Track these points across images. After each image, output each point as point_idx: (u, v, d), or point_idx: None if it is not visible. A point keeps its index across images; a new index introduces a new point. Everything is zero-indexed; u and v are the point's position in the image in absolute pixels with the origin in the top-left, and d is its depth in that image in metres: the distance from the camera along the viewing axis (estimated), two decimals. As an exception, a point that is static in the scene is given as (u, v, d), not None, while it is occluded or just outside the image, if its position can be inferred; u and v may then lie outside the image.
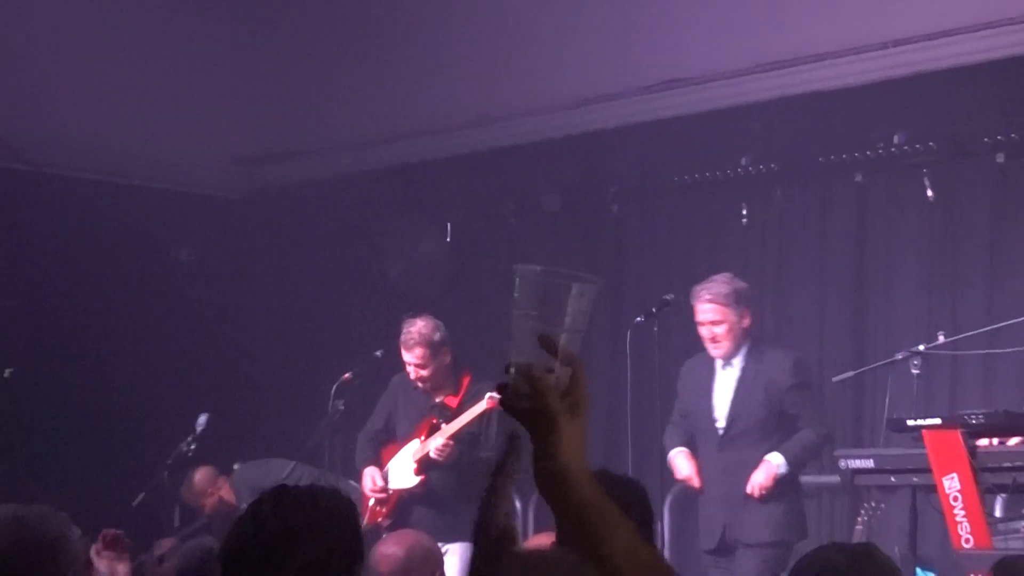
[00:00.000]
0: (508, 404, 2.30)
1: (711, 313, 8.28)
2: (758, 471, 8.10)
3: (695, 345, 9.01)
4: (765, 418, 8.23)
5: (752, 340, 8.40)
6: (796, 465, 8.19)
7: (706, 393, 8.36)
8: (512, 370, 2.27)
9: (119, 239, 11.24)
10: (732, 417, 8.28)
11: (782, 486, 8.12)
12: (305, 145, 12.05)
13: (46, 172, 11.18)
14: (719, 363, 8.41)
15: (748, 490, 8.07)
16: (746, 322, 8.33)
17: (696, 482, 8.28)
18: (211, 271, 11.83)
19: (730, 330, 8.28)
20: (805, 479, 8.50)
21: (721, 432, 8.31)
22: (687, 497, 8.72)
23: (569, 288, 2.35)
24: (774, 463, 8.13)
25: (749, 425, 8.26)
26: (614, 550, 2.28)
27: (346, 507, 3.39)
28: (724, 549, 8.25)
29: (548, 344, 2.28)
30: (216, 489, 9.69)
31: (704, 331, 8.35)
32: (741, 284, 8.41)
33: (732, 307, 8.27)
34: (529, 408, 2.27)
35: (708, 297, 8.28)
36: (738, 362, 8.37)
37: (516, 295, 2.35)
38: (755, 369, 8.28)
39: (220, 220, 12.18)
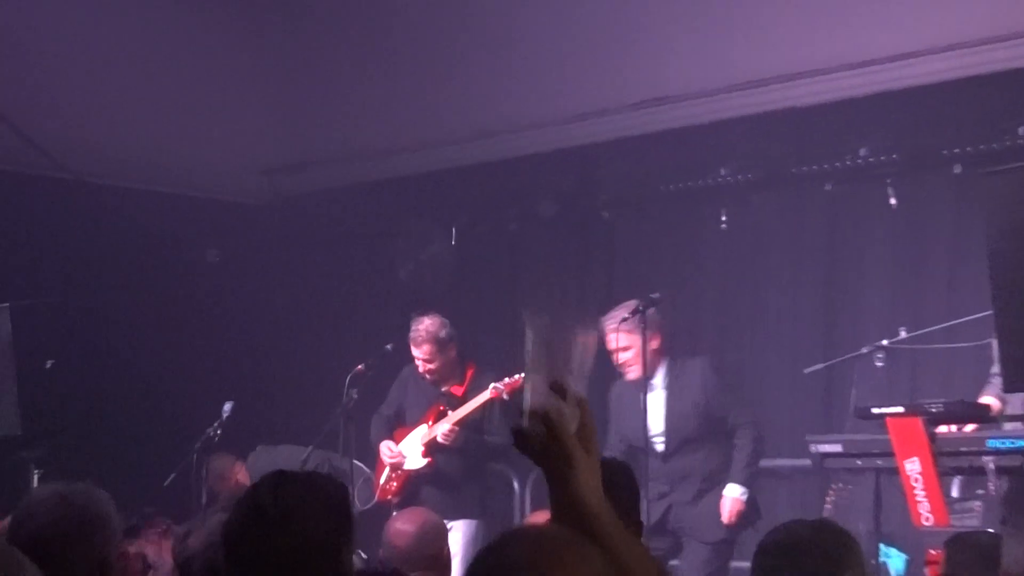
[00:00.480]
0: (526, 446, 2.30)
1: (620, 339, 8.22)
2: (724, 509, 8.05)
3: (675, 336, 9.02)
4: (699, 425, 8.19)
5: (669, 357, 8.36)
6: (751, 481, 8.15)
7: (638, 416, 8.17)
8: (527, 415, 2.28)
9: (155, 241, 11.24)
10: (669, 434, 8.20)
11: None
12: (324, 156, 12.05)
13: (90, 181, 11.15)
14: (646, 387, 8.28)
15: (726, 521, 8.06)
16: (655, 343, 8.25)
17: None
18: (237, 271, 11.82)
19: (638, 354, 8.20)
20: (779, 463, 8.48)
21: (662, 449, 8.22)
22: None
23: (575, 337, 2.38)
24: (733, 495, 8.09)
25: (687, 436, 8.20)
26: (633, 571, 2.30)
27: (340, 492, 3.38)
28: (662, 530, 8.15)
29: (559, 389, 2.29)
30: (233, 473, 9.72)
31: (615, 357, 8.30)
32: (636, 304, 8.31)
33: (637, 332, 8.19)
34: (546, 448, 2.28)
35: (613, 327, 8.20)
36: (659, 382, 8.31)
37: (528, 347, 2.37)
38: (678, 385, 8.23)
39: (246, 225, 12.18)
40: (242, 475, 9.72)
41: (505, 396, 8.53)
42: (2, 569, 2.16)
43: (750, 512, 8.14)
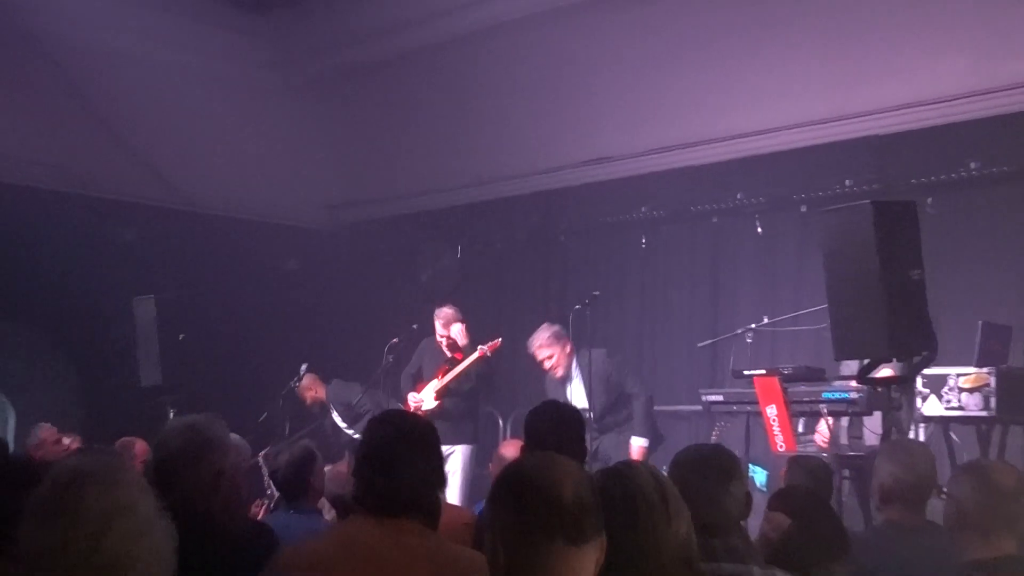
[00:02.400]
0: None
1: (544, 352, 8.32)
2: (632, 453, 8.00)
3: (609, 326, 9.02)
4: (608, 395, 8.17)
5: (577, 353, 8.33)
6: (649, 431, 8.12)
7: (566, 399, 8.10)
8: None
9: (251, 254, 11.24)
10: (592, 405, 8.10)
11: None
12: (370, 197, 12.06)
13: (206, 212, 11.18)
14: (566, 387, 8.34)
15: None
16: (568, 349, 8.33)
17: None
18: (309, 275, 11.84)
19: (560, 359, 8.30)
20: (680, 408, 8.47)
21: (590, 417, 8.00)
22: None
23: None
24: (639, 444, 8.09)
25: (604, 403, 8.15)
26: None
27: (430, 428, 3.32)
28: (595, 457, 7.88)
29: None
30: (317, 388, 9.78)
31: (544, 365, 8.35)
32: (556, 327, 8.41)
33: (556, 344, 8.29)
34: None
35: (538, 344, 8.33)
36: (575, 373, 8.32)
37: None
38: (588, 372, 8.18)
39: (315, 244, 12.18)
40: (321, 392, 9.79)
41: (488, 354, 8.62)
42: (134, 488, 2.11)
43: (654, 444, 8.15)
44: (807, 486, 4.57)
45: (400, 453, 3.06)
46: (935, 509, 4.37)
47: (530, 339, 8.45)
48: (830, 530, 3.54)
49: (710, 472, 3.16)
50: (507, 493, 2.32)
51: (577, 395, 8.25)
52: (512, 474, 2.37)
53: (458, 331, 8.70)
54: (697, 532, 3.03)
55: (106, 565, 1.92)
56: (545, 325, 8.49)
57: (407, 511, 3.00)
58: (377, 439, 3.12)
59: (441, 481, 3.16)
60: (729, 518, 3.13)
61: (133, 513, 1.98)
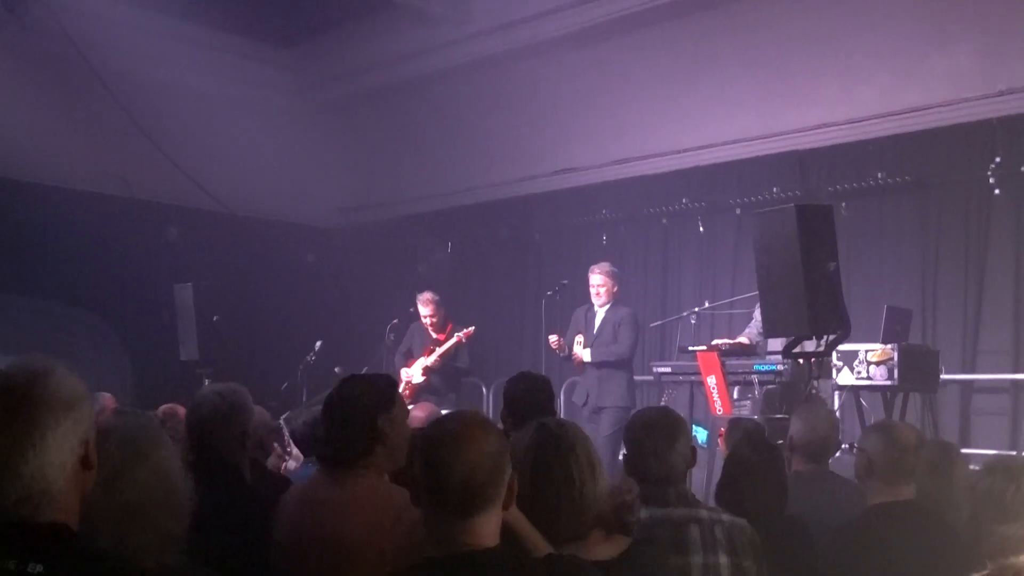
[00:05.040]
0: None
1: (598, 279, 7.96)
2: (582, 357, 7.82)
3: (575, 310, 8.97)
4: (609, 338, 7.85)
5: (614, 300, 8.00)
6: (599, 359, 7.79)
7: (587, 325, 7.97)
8: None
9: (275, 249, 11.21)
10: (597, 336, 7.90)
11: (618, 370, 7.78)
12: (375, 201, 11.98)
13: (238, 214, 11.12)
14: (594, 312, 8.00)
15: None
16: (615, 288, 7.98)
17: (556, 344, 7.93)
18: (323, 267, 11.79)
19: (607, 291, 7.93)
20: (637, 378, 8.40)
21: (592, 342, 7.90)
22: (572, 383, 8.61)
23: None
24: (584, 357, 7.82)
25: (603, 340, 7.87)
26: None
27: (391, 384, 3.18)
28: (588, 407, 7.83)
29: None
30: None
31: (592, 289, 7.99)
32: (615, 268, 8.13)
33: (609, 277, 7.94)
34: None
35: (598, 271, 7.99)
36: (602, 312, 7.97)
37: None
38: (610, 317, 7.92)
39: (329, 241, 12.11)
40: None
41: (463, 340, 8.53)
42: (147, 442, 2.07)
43: (628, 392, 7.80)
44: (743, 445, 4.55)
45: (348, 411, 2.98)
46: (847, 463, 4.40)
47: (593, 265, 8.11)
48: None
49: (660, 432, 3.13)
50: (411, 459, 2.18)
51: (592, 325, 7.96)
52: (415, 441, 2.23)
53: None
54: (651, 483, 3.05)
55: (122, 505, 1.90)
56: (608, 263, 8.21)
57: (356, 461, 2.95)
58: (335, 399, 3.04)
59: (381, 437, 2.98)
60: (677, 470, 3.11)
61: (146, 462, 1.96)
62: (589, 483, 2.50)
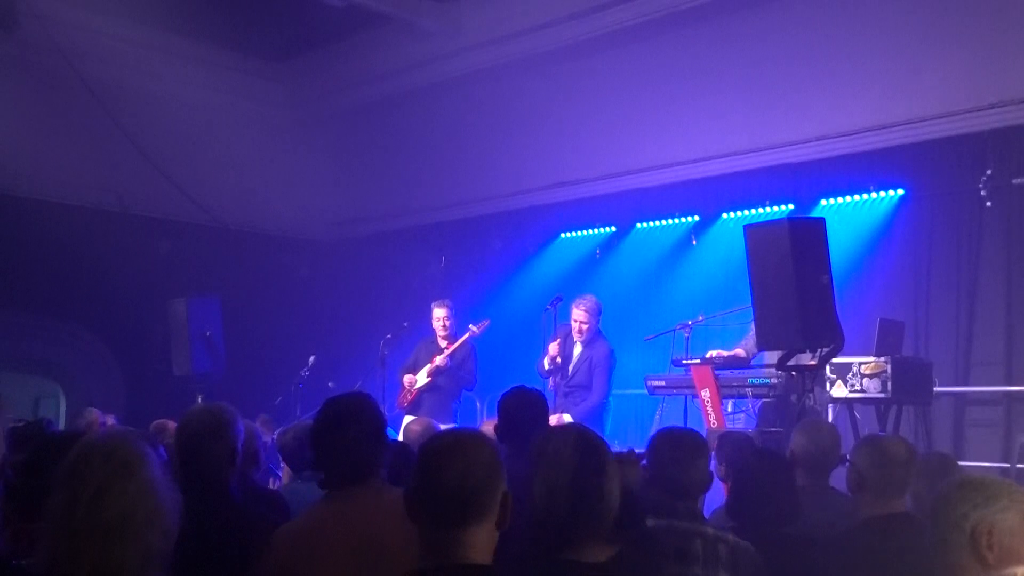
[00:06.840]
0: None
1: (580, 315, 7.82)
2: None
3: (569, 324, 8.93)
4: (584, 377, 7.75)
5: (592, 334, 7.89)
6: (572, 411, 7.69)
7: (567, 358, 7.88)
8: None
9: (269, 262, 11.26)
10: (571, 376, 7.80)
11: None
12: (367, 215, 12.00)
13: (233, 228, 11.13)
14: (572, 342, 7.91)
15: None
16: (595, 323, 7.88)
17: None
18: (317, 280, 11.79)
19: (590, 328, 7.82)
20: (630, 391, 8.30)
21: (569, 376, 7.83)
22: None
23: None
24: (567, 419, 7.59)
25: (577, 380, 7.76)
26: None
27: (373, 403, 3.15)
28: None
29: None
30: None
31: (575, 324, 7.87)
32: (599, 303, 7.99)
33: (591, 315, 7.82)
34: None
35: (583, 306, 7.82)
36: (582, 345, 7.83)
37: None
38: (587, 354, 7.78)
39: (322, 255, 12.12)
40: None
41: (476, 333, 8.40)
42: (134, 458, 2.06)
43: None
44: (737, 457, 4.55)
45: (340, 434, 2.95)
46: (841, 475, 4.38)
47: (576, 299, 7.98)
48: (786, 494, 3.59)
49: (684, 447, 3.24)
50: (414, 469, 2.18)
51: (568, 358, 7.88)
52: (419, 451, 2.23)
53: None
54: (665, 493, 3.16)
55: (107, 521, 1.91)
56: (593, 296, 8.08)
57: (356, 480, 2.93)
58: (322, 423, 3.02)
59: (378, 454, 2.98)
60: (693, 486, 3.21)
61: (132, 477, 1.96)
62: (615, 491, 2.54)
